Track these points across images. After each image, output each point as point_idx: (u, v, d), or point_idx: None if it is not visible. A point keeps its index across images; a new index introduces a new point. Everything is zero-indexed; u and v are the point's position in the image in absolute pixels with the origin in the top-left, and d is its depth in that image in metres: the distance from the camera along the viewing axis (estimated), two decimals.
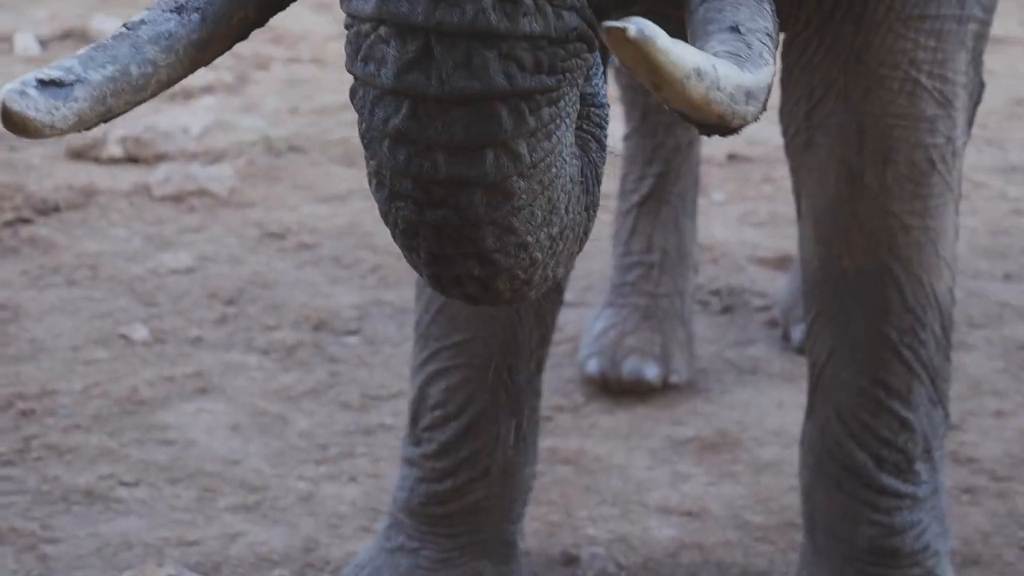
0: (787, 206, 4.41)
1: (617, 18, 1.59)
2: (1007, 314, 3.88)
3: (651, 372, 3.50)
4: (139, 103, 1.82)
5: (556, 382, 3.52)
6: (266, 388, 3.53)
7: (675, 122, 3.58)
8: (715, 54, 1.68)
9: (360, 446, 3.32)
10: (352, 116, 5.14)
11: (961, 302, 3.67)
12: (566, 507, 3.11)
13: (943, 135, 2.45)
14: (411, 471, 2.71)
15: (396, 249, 4.32)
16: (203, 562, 2.91)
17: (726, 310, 3.93)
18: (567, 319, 3.73)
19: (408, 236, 1.85)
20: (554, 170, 1.80)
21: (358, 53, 1.79)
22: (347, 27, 1.81)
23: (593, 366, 3.53)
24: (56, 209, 4.35)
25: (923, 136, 2.44)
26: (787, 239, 4.22)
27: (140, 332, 3.73)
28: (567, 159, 1.82)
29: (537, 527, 3.02)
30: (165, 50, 1.83)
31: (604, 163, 1.93)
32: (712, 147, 4.63)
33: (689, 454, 3.31)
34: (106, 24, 5.68)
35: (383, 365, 3.63)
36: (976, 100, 2.53)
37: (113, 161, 4.69)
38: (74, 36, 5.70)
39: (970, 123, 2.53)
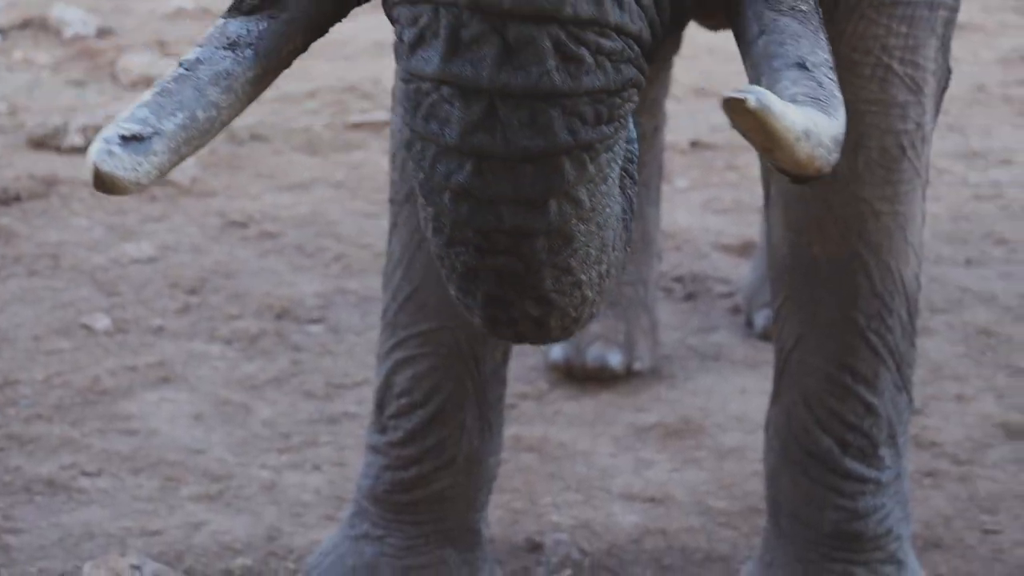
0: (750, 193, 4.42)
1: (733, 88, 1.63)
2: (968, 299, 3.90)
3: (615, 359, 3.51)
4: (203, 146, 1.83)
5: (520, 369, 3.52)
6: (229, 377, 3.52)
7: (640, 110, 3.57)
8: (793, 97, 1.71)
9: (324, 435, 3.31)
10: (315, 104, 5.14)
11: (923, 287, 3.68)
12: (530, 494, 3.11)
13: (913, 121, 2.46)
14: (376, 459, 2.71)
15: (359, 238, 4.32)
16: (166, 552, 2.91)
17: (689, 297, 3.94)
18: None
19: (467, 280, 1.87)
20: (608, 210, 1.85)
21: (418, 109, 1.81)
22: (405, 81, 1.82)
23: (557, 353, 3.53)
24: (17, 199, 4.32)
25: (894, 122, 2.45)
26: (750, 226, 4.23)
27: (102, 322, 3.71)
28: (616, 197, 1.87)
29: (501, 514, 3.02)
30: (225, 90, 1.83)
31: (636, 198, 1.96)
32: (675, 134, 4.63)
33: (652, 440, 3.32)
34: (66, 13, 5.64)
35: (347, 354, 3.63)
36: (943, 86, 2.55)
37: (74, 150, 4.66)
38: (33, 25, 5.66)
39: (937, 109, 2.54)
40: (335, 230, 4.21)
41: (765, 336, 3.64)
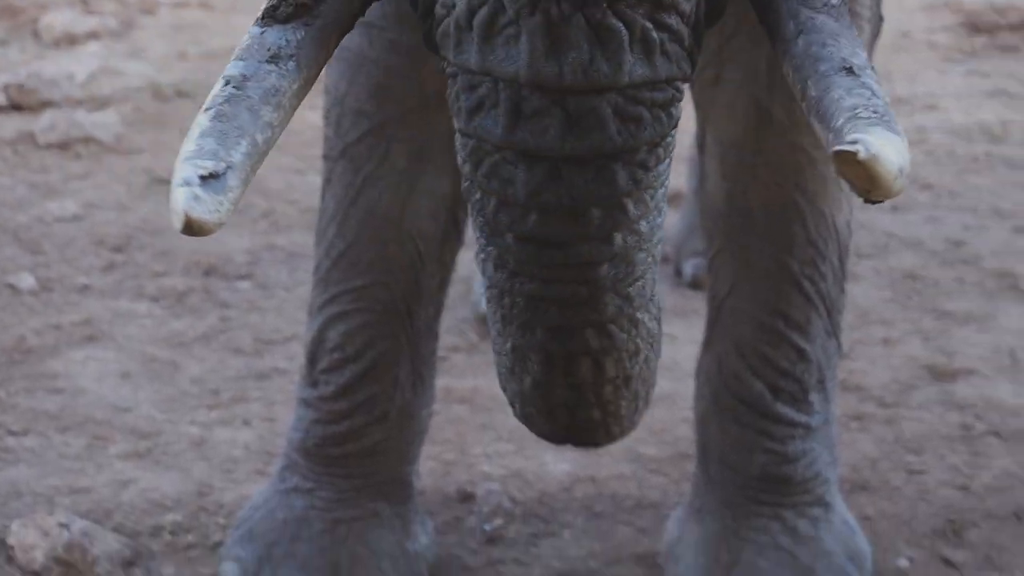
0: (678, 144, 4.41)
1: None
2: (893, 244, 3.93)
3: None
4: (259, 168, 1.80)
5: (450, 322, 3.51)
6: (156, 335, 3.49)
7: None
8: (855, 111, 1.73)
9: (253, 390, 3.30)
10: None
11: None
12: (461, 445, 3.12)
13: None
14: (307, 412, 2.70)
15: (287, 194, 4.27)
16: (94, 509, 2.89)
17: None
18: (460, 259, 3.72)
19: (529, 311, 1.91)
20: (660, 245, 1.92)
21: (479, 167, 1.83)
22: (466, 136, 1.83)
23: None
24: None
25: None
26: (678, 176, 4.23)
27: (27, 281, 3.68)
28: (663, 224, 1.94)
29: (433, 465, 3.03)
30: (275, 108, 1.80)
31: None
32: None
33: None
34: None
35: (275, 310, 3.61)
36: (876, 33, 2.55)
37: None
38: None
39: (870, 57, 2.55)
40: (263, 186, 4.18)
41: (694, 285, 3.65)
